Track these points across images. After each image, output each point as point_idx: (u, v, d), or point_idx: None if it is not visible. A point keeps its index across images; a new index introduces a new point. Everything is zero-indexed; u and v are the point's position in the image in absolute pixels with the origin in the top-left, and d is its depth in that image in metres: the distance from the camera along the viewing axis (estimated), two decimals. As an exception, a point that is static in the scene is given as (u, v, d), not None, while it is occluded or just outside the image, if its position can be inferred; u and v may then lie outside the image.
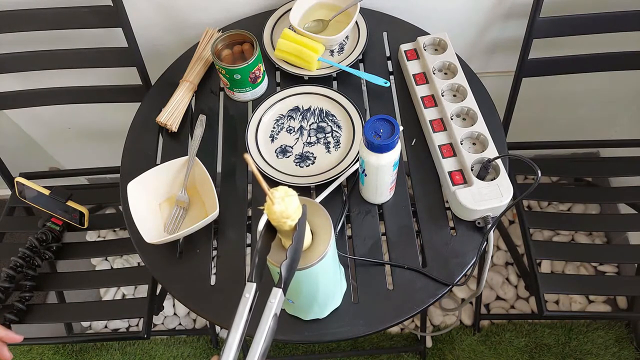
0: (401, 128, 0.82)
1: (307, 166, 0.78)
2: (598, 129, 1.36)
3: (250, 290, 0.45)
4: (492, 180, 0.70)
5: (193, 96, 0.89)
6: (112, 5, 0.90)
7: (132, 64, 0.99)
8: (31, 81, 1.06)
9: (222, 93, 0.90)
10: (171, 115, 0.84)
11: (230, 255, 0.73)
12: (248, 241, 0.75)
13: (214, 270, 0.72)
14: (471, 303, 1.36)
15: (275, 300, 0.44)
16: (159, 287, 1.01)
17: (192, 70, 0.89)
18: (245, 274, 0.71)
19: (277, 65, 0.88)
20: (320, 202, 0.74)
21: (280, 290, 0.44)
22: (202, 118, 0.84)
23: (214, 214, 0.70)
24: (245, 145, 0.80)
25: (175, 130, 0.84)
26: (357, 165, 0.76)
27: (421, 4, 1.00)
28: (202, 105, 0.88)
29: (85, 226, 1.01)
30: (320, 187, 0.76)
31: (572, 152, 1.40)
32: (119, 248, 1.04)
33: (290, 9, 0.89)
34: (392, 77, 0.88)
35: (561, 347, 1.29)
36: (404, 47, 0.86)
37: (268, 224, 0.47)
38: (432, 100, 0.80)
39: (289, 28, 0.89)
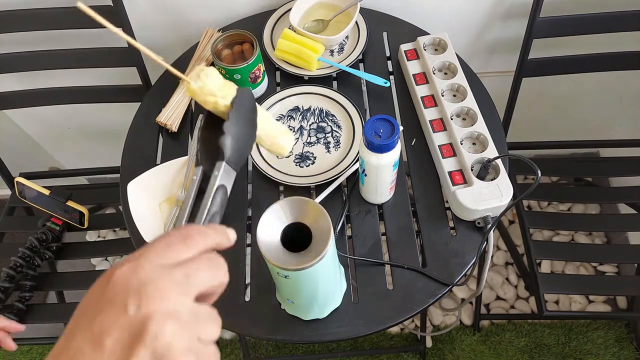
0: (401, 128, 0.82)
1: (307, 166, 0.78)
2: (598, 129, 1.36)
3: (197, 173, 0.43)
4: (492, 180, 0.70)
5: (193, 96, 0.89)
6: (112, 5, 0.90)
7: (132, 64, 0.99)
8: (31, 81, 1.06)
9: (222, 93, 0.90)
10: (171, 115, 0.84)
11: (230, 255, 0.73)
12: (248, 241, 0.75)
13: (214, 270, 0.72)
14: (471, 303, 1.36)
15: (219, 172, 0.42)
16: (159, 287, 1.01)
17: (192, 70, 0.89)
18: (246, 274, 0.72)
19: (277, 65, 0.88)
20: (320, 202, 0.74)
21: (223, 162, 0.42)
22: (202, 118, 0.84)
23: (214, 214, 0.70)
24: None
25: (175, 130, 0.84)
26: (357, 165, 0.76)
27: (421, 4, 1.00)
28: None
29: (85, 226, 1.01)
30: (320, 187, 0.76)
31: (572, 152, 1.40)
32: (119, 248, 1.04)
33: (290, 9, 0.89)
34: (392, 77, 0.88)
35: (561, 347, 1.29)
36: (404, 47, 0.86)
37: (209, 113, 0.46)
38: (432, 100, 0.80)
39: (289, 28, 0.89)
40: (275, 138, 0.54)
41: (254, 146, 0.80)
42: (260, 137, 0.54)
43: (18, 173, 1.15)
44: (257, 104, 0.50)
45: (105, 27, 0.38)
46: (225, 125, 0.43)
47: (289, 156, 0.79)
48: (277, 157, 0.78)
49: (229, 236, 0.36)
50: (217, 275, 0.32)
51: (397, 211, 0.74)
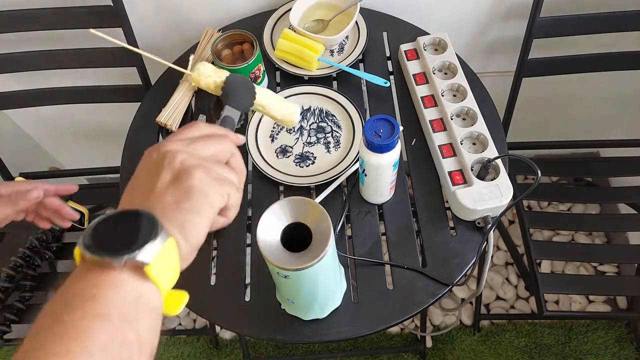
0: (401, 128, 0.82)
1: (307, 166, 0.78)
2: (598, 129, 1.36)
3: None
4: (492, 180, 0.70)
5: (193, 96, 0.89)
6: (112, 5, 0.90)
7: (132, 64, 0.99)
8: (31, 81, 1.06)
9: (222, 93, 0.90)
10: (171, 115, 0.84)
11: (230, 255, 0.73)
12: (248, 241, 0.75)
13: (214, 270, 0.72)
14: (471, 303, 1.36)
15: (224, 111, 0.55)
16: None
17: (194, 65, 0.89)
18: (246, 274, 0.72)
19: (277, 65, 0.88)
20: (320, 202, 0.74)
21: (226, 105, 0.56)
22: (202, 118, 0.84)
23: (214, 214, 0.70)
24: (245, 145, 0.80)
25: (175, 130, 0.84)
26: (357, 165, 0.76)
27: (421, 4, 1.00)
28: (202, 105, 0.88)
29: (85, 226, 1.01)
30: (320, 187, 0.76)
31: (572, 152, 1.40)
32: (119, 248, 1.03)
33: (290, 9, 0.89)
34: (392, 77, 0.88)
35: (561, 347, 1.29)
36: (404, 47, 0.86)
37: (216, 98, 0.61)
38: (432, 100, 0.80)
39: (289, 28, 0.89)
40: (283, 110, 0.66)
41: (255, 146, 0.80)
42: (271, 111, 0.65)
43: (18, 173, 1.15)
44: (259, 86, 0.63)
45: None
46: (223, 87, 0.59)
47: (289, 156, 0.79)
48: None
49: (238, 136, 0.46)
50: (220, 143, 0.43)
51: (397, 211, 0.74)
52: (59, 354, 0.28)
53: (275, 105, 0.65)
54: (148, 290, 0.33)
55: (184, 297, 0.36)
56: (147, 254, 0.32)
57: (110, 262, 0.32)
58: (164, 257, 0.33)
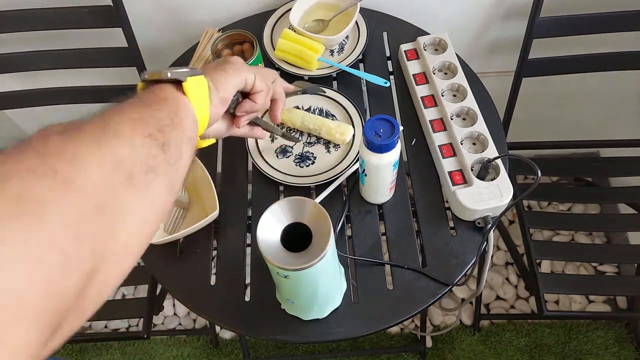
0: (401, 128, 0.82)
1: (307, 166, 0.78)
2: (598, 129, 1.36)
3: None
4: (492, 180, 0.70)
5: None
6: (112, 5, 0.90)
7: (132, 64, 0.99)
8: (31, 81, 1.06)
9: (222, 93, 0.90)
10: (171, 115, 0.84)
11: (230, 255, 0.73)
12: (248, 241, 0.75)
13: (214, 270, 0.72)
14: (471, 303, 1.36)
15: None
16: (159, 287, 1.01)
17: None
18: (246, 274, 0.72)
19: (277, 65, 0.88)
20: (320, 202, 0.74)
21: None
22: None
23: (214, 214, 0.70)
24: (245, 145, 0.80)
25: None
26: (357, 165, 0.76)
27: (421, 4, 1.00)
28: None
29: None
30: (320, 187, 0.76)
31: (572, 152, 1.40)
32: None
33: (290, 9, 0.89)
34: (392, 77, 0.88)
35: (561, 347, 1.29)
36: (404, 47, 0.86)
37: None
38: (432, 100, 0.80)
39: (289, 28, 0.89)
40: (342, 130, 0.77)
41: (255, 147, 0.80)
42: (331, 132, 0.76)
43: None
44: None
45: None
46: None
47: (289, 156, 0.79)
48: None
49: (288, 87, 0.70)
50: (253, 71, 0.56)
51: (397, 211, 0.74)
52: (125, 111, 0.39)
53: (329, 125, 0.77)
54: (185, 101, 0.44)
55: (213, 140, 0.59)
56: (183, 74, 0.44)
57: (159, 74, 0.44)
58: (197, 84, 0.45)
